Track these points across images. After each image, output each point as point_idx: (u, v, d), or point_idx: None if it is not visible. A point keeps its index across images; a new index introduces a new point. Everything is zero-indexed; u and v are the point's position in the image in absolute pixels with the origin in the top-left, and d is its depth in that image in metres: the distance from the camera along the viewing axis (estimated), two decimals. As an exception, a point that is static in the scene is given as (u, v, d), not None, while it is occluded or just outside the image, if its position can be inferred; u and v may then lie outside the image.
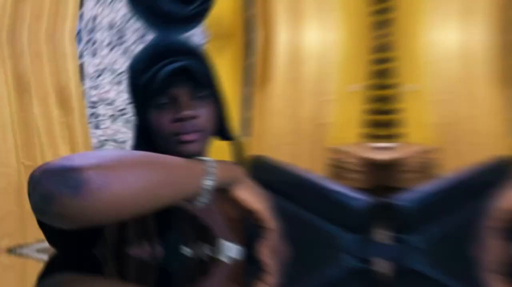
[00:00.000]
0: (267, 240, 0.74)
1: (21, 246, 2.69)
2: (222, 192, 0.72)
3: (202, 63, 0.83)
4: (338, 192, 2.03)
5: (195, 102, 0.80)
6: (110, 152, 0.70)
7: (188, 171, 0.65)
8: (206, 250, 0.79)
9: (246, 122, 3.62)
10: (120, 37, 2.93)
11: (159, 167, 0.60)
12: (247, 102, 3.63)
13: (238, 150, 0.89)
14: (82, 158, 0.56)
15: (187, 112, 0.78)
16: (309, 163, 3.64)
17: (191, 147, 0.79)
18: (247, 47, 3.52)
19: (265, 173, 3.08)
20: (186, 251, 0.75)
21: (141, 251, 0.73)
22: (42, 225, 0.71)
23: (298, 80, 3.64)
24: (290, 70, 3.60)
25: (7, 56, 2.55)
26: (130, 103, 0.83)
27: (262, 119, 3.61)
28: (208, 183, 0.66)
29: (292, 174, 2.78)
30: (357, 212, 2.04)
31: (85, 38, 2.80)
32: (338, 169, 3.66)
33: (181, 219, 0.76)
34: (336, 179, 3.65)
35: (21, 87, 2.60)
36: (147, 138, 0.82)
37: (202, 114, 0.81)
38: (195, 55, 0.84)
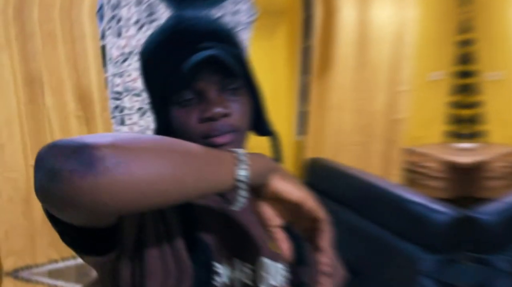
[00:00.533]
0: (323, 239, 0.59)
1: (29, 267, 2.32)
2: (258, 193, 0.59)
3: (233, 47, 0.66)
4: (416, 203, 1.87)
5: (226, 96, 0.65)
6: (128, 133, 0.58)
7: (218, 159, 0.54)
8: (243, 272, 0.66)
9: (303, 117, 3.17)
10: (150, 14, 2.46)
11: (184, 152, 0.51)
12: (304, 93, 3.16)
13: (277, 146, 0.71)
14: (96, 137, 0.47)
15: (217, 110, 0.63)
16: (380, 168, 3.17)
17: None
18: (305, 27, 3.04)
19: (324, 179, 2.52)
20: (220, 271, 0.64)
21: (162, 265, 0.61)
22: (52, 219, 0.54)
23: (367, 66, 3.07)
24: (356, 55, 3.04)
25: (13, 37, 2.12)
26: (147, 99, 0.70)
27: (322, 113, 3.08)
28: (242, 173, 0.54)
29: (358, 181, 2.25)
30: (439, 228, 1.78)
31: (108, 15, 2.38)
32: (415, 175, 3.18)
33: (214, 229, 0.67)
34: (413, 186, 3.10)
35: (30, 73, 2.16)
36: None
37: (235, 110, 0.65)
38: (223, 37, 0.66)
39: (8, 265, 2.17)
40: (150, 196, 0.48)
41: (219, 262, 0.66)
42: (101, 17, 2.37)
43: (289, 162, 3.05)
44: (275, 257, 0.70)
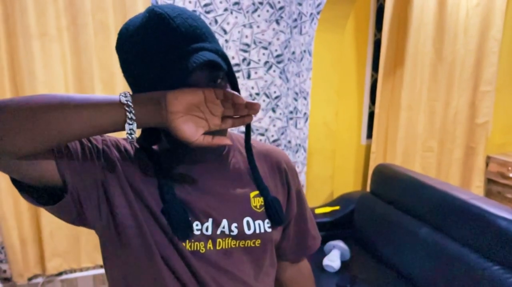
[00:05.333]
0: (235, 96, 0.68)
1: (73, 271, 2.20)
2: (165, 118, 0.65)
3: (215, 43, 0.72)
4: (501, 218, 1.68)
5: (214, 86, 0.72)
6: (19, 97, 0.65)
7: (101, 98, 0.64)
8: (227, 230, 0.78)
9: (371, 119, 2.80)
10: (208, 4, 2.27)
11: (60, 101, 0.62)
12: (373, 92, 2.79)
13: (248, 126, 0.82)
14: None
15: None
16: (459, 177, 2.82)
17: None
18: (376, 17, 2.70)
19: (393, 187, 2.04)
20: (198, 227, 0.76)
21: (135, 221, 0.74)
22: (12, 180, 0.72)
23: (444, 62, 2.72)
24: (432, 49, 2.70)
25: (65, 27, 2.01)
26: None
27: (393, 115, 2.76)
28: (124, 98, 0.62)
29: (433, 191, 2.01)
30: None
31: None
32: (499, 187, 2.80)
33: (197, 190, 0.78)
34: (496, 199, 2.75)
35: (81, 66, 2.05)
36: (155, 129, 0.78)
37: None
38: (207, 35, 0.71)
39: (52, 267, 2.07)
40: (27, 135, 0.60)
41: (200, 220, 0.76)
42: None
43: (354, 168, 2.77)
44: (256, 216, 0.81)
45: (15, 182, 0.71)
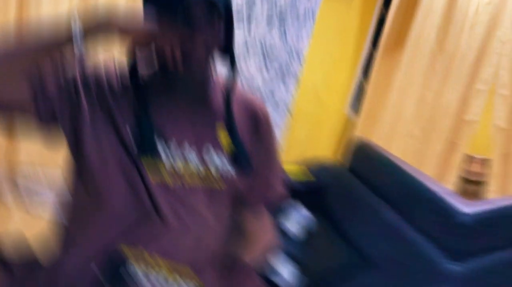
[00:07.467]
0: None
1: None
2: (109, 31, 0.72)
3: None
4: (467, 215, 1.62)
5: (209, 18, 0.79)
6: None
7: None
8: (189, 154, 0.83)
9: (359, 93, 2.80)
10: None
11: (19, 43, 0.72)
12: (367, 67, 2.78)
13: (234, 67, 0.87)
14: None
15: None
16: (434, 170, 2.77)
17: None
18: None
19: (370, 166, 2.10)
20: (162, 148, 0.80)
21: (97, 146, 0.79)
22: None
23: (445, 53, 2.67)
24: (435, 37, 2.65)
25: None
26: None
27: (383, 94, 2.72)
28: (78, 45, 0.70)
29: (406, 177, 2.00)
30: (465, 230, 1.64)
31: None
32: (473, 187, 2.80)
33: (166, 111, 0.83)
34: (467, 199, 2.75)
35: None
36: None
37: (214, 33, 0.82)
38: None
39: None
40: None
41: (164, 138, 0.81)
42: None
43: (334, 139, 2.76)
44: (218, 147, 0.84)
45: None
